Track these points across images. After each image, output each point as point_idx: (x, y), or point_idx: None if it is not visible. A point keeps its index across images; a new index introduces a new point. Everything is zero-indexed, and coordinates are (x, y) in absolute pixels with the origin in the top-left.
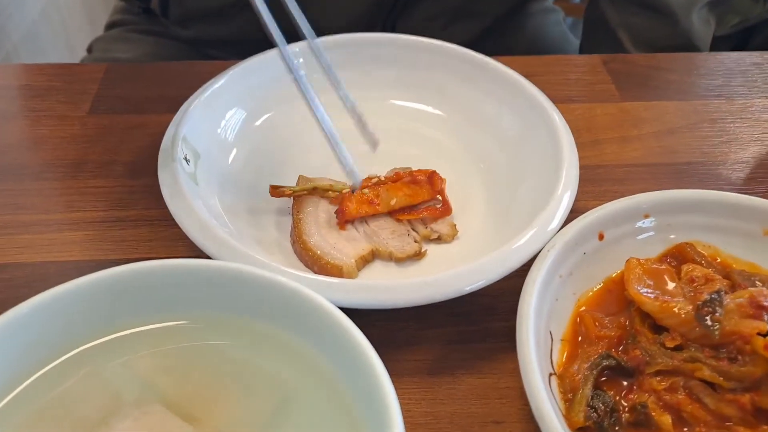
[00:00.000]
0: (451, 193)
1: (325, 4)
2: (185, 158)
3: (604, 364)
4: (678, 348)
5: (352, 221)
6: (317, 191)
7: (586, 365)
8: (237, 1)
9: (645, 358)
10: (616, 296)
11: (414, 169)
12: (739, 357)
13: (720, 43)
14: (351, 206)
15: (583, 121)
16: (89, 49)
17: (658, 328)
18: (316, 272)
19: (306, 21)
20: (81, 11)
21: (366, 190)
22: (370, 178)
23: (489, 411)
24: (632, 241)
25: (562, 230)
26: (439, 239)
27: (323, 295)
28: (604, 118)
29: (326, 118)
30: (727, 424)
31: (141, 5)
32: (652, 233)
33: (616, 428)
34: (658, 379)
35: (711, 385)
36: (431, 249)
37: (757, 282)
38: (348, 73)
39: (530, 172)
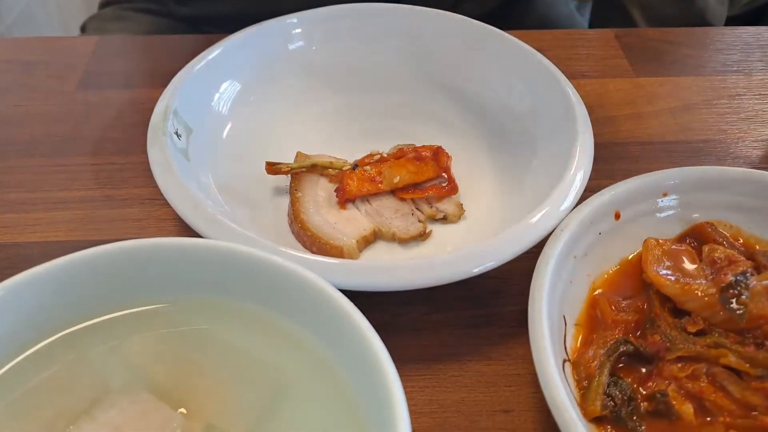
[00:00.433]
0: (458, 170)
1: None
2: (176, 133)
3: (622, 349)
4: (700, 333)
5: (353, 200)
6: (316, 168)
7: (602, 351)
8: None
9: (665, 344)
10: (633, 278)
11: (418, 145)
12: (767, 342)
13: (730, 24)
14: (352, 184)
15: (595, 97)
16: (83, 28)
17: (678, 312)
18: (314, 253)
19: None
20: None
21: (368, 168)
22: (372, 155)
23: (497, 399)
24: (650, 221)
25: (576, 209)
26: (444, 219)
27: (322, 276)
28: (618, 94)
29: None
30: (753, 413)
31: None
32: (671, 212)
33: (634, 418)
34: (679, 365)
35: (736, 372)
36: (436, 229)
37: None
38: (350, 44)
39: (542, 149)
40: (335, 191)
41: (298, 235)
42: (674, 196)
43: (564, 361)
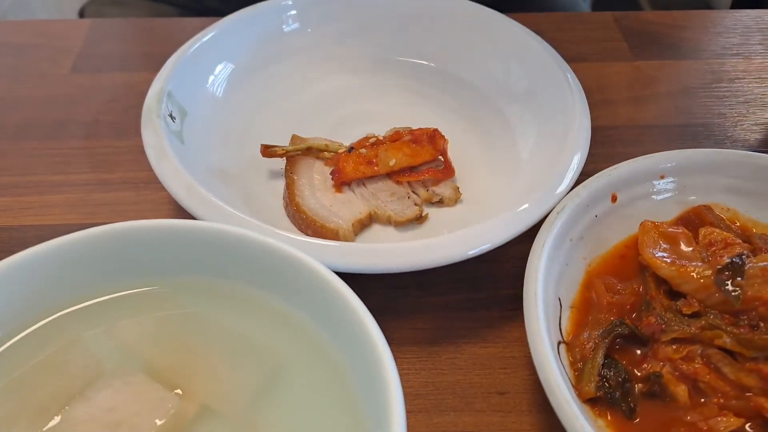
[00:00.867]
0: (454, 153)
1: None
2: (170, 115)
3: (617, 331)
4: (695, 315)
5: (348, 183)
6: (312, 151)
7: (597, 333)
8: None
9: (660, 326)
10: (629, 261)
11: (415, 128)
12: (761, 324)
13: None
14: (348, 167)
15: (593, 80)
16: (80, 14)
17: (674, 295)
18: (310, 236)
19: None
20: None
21: (364, 150)
22: (368, 138)
23: (492, 381)
24: (647, 204)
25: (573, 191)
26: (441, 202)
27: (318, 258)
28: (616, 78)
29: None
30: (747, 394)
31: None
32: (667, 195)
33: (629, 399)
34: (673, 347)
35: (730, 353)
36: (432, 213)
37: None
38: (345, 26)
39: (539, 132)
40: (331, 174)
41: (294, 217)
42: (671, 179)
43: (559, 342)
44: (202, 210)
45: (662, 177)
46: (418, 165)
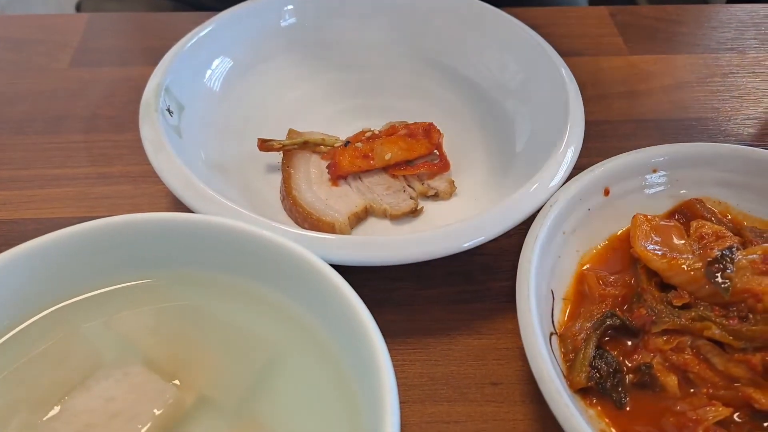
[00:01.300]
0: (450, 147)
1: None
2: (168, 110)
3: (608, 323)
4: (686, 306)
5: (345, 177)
6: (308, 145)
7: (588, 324)
8: None
9: (651, 317)
10: (622, 254)
11: (410, 122)
12: (750, 316)
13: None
14: (344, 161)
15: (588, 74)
16: (77, 7)
17: (665, 287)
18: (306, 229)
19: None
20: None
21: (360, 144)
22: (364, 132)
23: (486, 372)
24: (639, 197)
25: (566, 185)
26: (436, 196)
27: (314, 251)
28: (611, 72)
29: None
30: (736, 385)
31: None
32: (660, 188)
33: (619, 389)
34: (664, 338)
35: (719, 344)
36: (428, 206)
37: None
38: (342, 21)
39: (533, 126)
40: (327, 168)
41: (290, 211)
42: (663, 173)
43: (551, 334)
44: (200, 203)
45: (654, 171)
46: (413, 159)
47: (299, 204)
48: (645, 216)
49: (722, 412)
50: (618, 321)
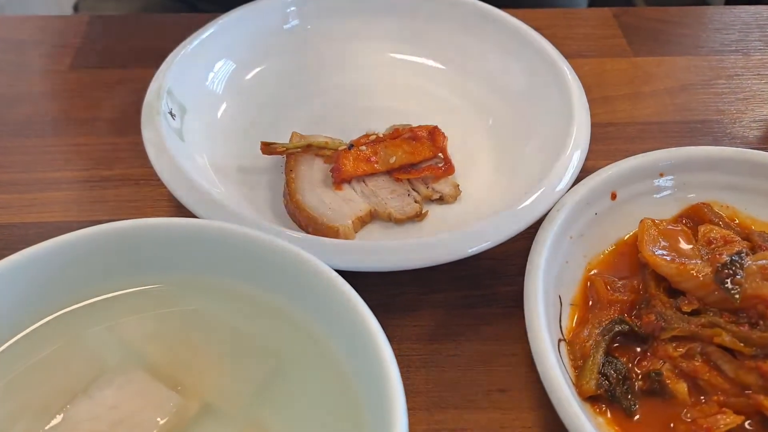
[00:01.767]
0: (454, 151)
1: None
2: (170, 112)
3: (617, 329)
4: (695, 312)
5: (348, 180)
6: (312, 149)
7: (597, 331)
8: None
9: (660, 324)
10: (629, 259)
11: (414, 125)
12: (761, 322)
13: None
14: (348, 164)
15: (592, 77)
16: (75, 7)
17: (673, 292)
18: (310, 233)
19: None
20: None
21: (363, 148)
22: (368, 135)
23: (493, 378)
24: (646, 201)
25: (572, 189)
26: (441, 200)
27: (318, 256)
28: (615, 74)
29: None
30: (747, 392)
31: None
32: (667, 193)
33: (629, 397)
34: (673, 345)
35: (730, 351)
36: (432, 210)
37: None
38: (345, 24)
39: (538, 129)
40: (331, 171)
41: (294, 215)
42: (671, 177)
43: (559, 340)
44: (202, 208)
45: (662, 174)
46: (417, 162)
47: (303, 208)
48: (653, 220)
49: (733, 420)
50: (627, 327)
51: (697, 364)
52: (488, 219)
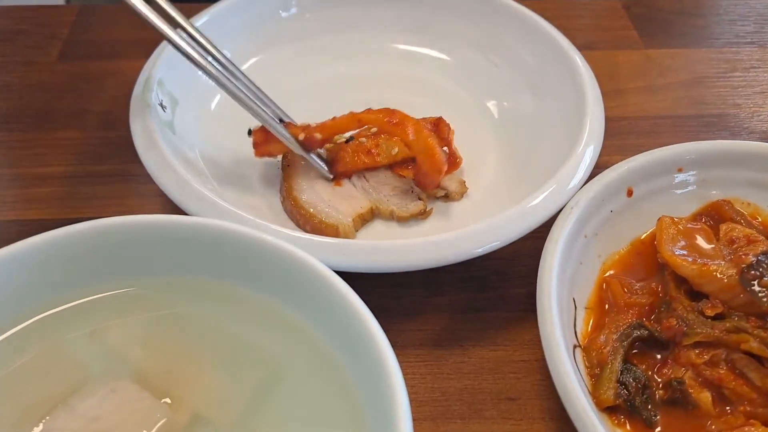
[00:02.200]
0: (460, 145)
1: None
2: (161, 104)
3: (635, 334)
4: (719, 317)
5: (348, 175)
6: None
7: (614, 336)
8: None
9: (681, 328)
10: (646, 259)
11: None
12: None
13: None
14: (347, 157)
15: (603, 69)
16: None
17: (695, 295)
18: (308, 232)
19: None
20: None
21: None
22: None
23: (502, 387)
24: (664, 198)
25: (586, 185)
26: (446, 197)
27: (317, 256)
28: (627, 67)
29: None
30: None
31: None
32: (686, 189)
33: (649, 407)
34: (696, 351)
35: (757, 358)
36: (437, 207)
37: None
38: (346, 12)
39: (549, 123)
40: (329, 165)
41: (291, 212)
42: (691, 172)
43: (574, 346)
44: (194, 204)
45: (680, 170)
46: None
47: (300, 205)
48: (671, 218)
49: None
50: (646, 332)
51: (721, 372)
52: (496, 217)
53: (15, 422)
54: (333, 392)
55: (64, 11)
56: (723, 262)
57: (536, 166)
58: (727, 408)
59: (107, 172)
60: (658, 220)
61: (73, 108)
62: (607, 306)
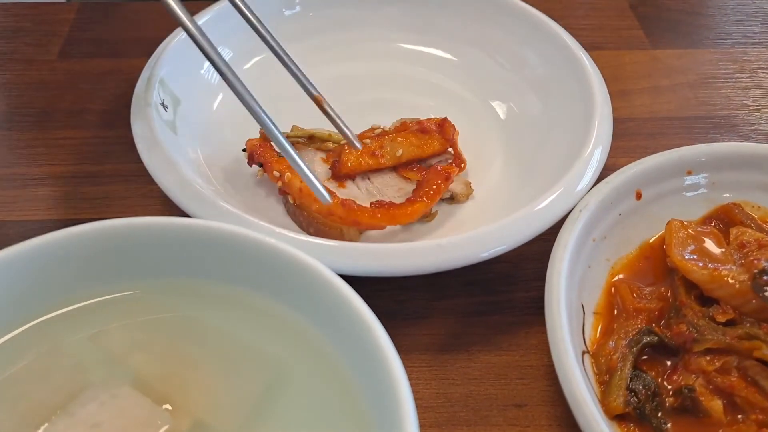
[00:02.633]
0: (466, 146)
1: None
2: (162, 104)
3: (645, 340)
4: (730, 323)
5: (352, 177)
6: (314, 140)
7: (623, 342)
8: None
9: (692, 335)
10: (655, 263)
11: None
12: None
13: None
14: (351, 158)
15: (610, 69)
16: None
17: (705, 300)
18: (311, 234)
19: None
20: None
21: (368, 141)
22: (373, 129)
23: (509, 393)
24: (673, 201)
25: (595, 188)
26: (451, 199)
27: (321, 260)
28: (633, 67)
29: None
30: None
31: None
32: (696, 192)
33: (659, 415)
34: (707, 358)
35: None
36: (442, 210)
37: None
38: (350, 11)
39: (556, 124)
40: (332, 167)
41: (294, 214)
42: (702, 175)
43: (583, 352)
44: (196, 206)
45: (689, 172)
46: (426, 157)
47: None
48: (681, 222)
49: None
50: (656, 338)
51: (733, 379)
52: (503, 220)
53: (13, 429)
54: (338, 398)
55: (64, 9)
56: (734, 267)
57: (543, 168)
58: (739, 416)
59: (108, 172)
60: (668, 223)
61: (73, 107)
62: (615, 311)
